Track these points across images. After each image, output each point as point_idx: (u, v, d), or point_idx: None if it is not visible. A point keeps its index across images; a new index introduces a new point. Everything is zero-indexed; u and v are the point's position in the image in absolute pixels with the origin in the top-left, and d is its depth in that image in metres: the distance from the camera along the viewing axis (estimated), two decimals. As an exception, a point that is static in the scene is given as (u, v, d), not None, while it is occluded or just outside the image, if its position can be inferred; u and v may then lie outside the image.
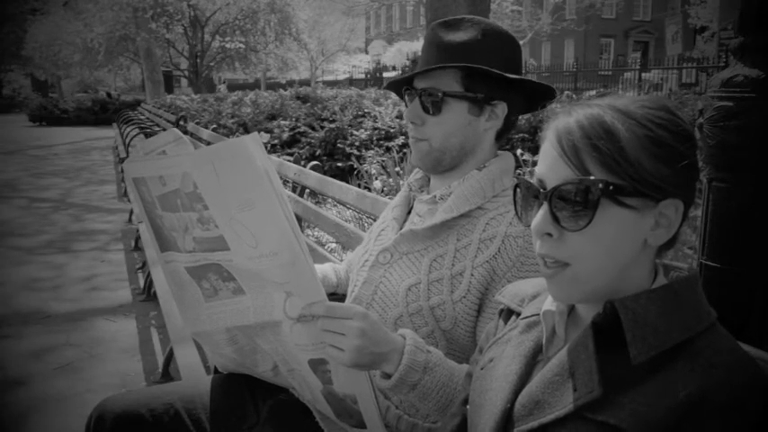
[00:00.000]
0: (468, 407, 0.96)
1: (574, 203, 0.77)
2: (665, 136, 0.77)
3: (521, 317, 0.96)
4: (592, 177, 0.76)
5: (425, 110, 1.31)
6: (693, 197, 0.82)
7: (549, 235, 0.79)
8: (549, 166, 0.82)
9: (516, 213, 0.88)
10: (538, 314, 0.91)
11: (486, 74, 1.26)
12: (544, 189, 0.81)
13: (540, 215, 0.80)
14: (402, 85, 1.38)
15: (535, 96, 1.36)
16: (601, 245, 0.77)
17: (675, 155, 0.78)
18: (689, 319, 0.76)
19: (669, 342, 0.74)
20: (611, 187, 0.76)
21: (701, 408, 0.69)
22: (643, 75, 18.74)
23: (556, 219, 0.79)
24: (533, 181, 0.84)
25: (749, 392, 0.70)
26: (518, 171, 1.43)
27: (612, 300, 0.78)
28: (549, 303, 0.90)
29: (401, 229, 1.39)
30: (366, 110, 8.55)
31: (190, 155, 1.03)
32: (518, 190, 0.87)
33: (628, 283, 0.81)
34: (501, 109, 1.32)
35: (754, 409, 0.69)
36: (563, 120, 0.81)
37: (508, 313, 1.01)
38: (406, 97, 1.37)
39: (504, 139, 1.38)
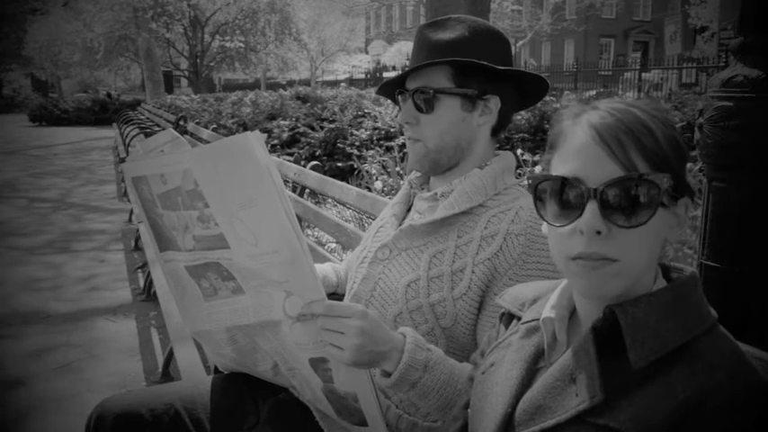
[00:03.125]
0: (469, 411, 0.96)
1: (632, 199, 0.75)
2: (678, 137, 0.80)
3: (521, 321, 0.95)
4: (650, 174, 0.75)
5: (419, 109, 1.32)
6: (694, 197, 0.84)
7: (598, 233, 0.77)
8: (590, 161, 0.78)
9: (540, 214, 0.83)
10: (538, 319, 0.91)
11: (477, 68, 1.27)
12: (585, 186, 0.77)
13: (589, 213, 0.76)
14: (394, 89, 1.39)
15: (528, 89, 1.38)
16: (647, 240, 0.77)
17: (684, 154, 0.80)
18: (689, 322, 0.76)
19: (670, 345, 0.74)
20: (672, 184, 0.76)
21: (702, 410, 0.69)
22: (643, 75, 18.72)
23: (608, 216, 0.76)
24: (569, 179, 0.79)
25: (749, 394, 0.70)
26: (518, 170, 1.42)
27: (612, 305, 0.78)
28: (548, 310, 0.90)
29: (400, 225, 1.40)
30: (366, 110, 8.54)
31: (192, 152, 1.03)
32: (544, 190, 0.82)
33: (641, 282, 0.80)
34: (494, 103, 1.32)
35: (754, 411, 0.69)
36: (594, 114, 0.79)
37: (509, 317, 1.01)
38: (400, 100, 1.37)
39: (499, 135, 1.39)
